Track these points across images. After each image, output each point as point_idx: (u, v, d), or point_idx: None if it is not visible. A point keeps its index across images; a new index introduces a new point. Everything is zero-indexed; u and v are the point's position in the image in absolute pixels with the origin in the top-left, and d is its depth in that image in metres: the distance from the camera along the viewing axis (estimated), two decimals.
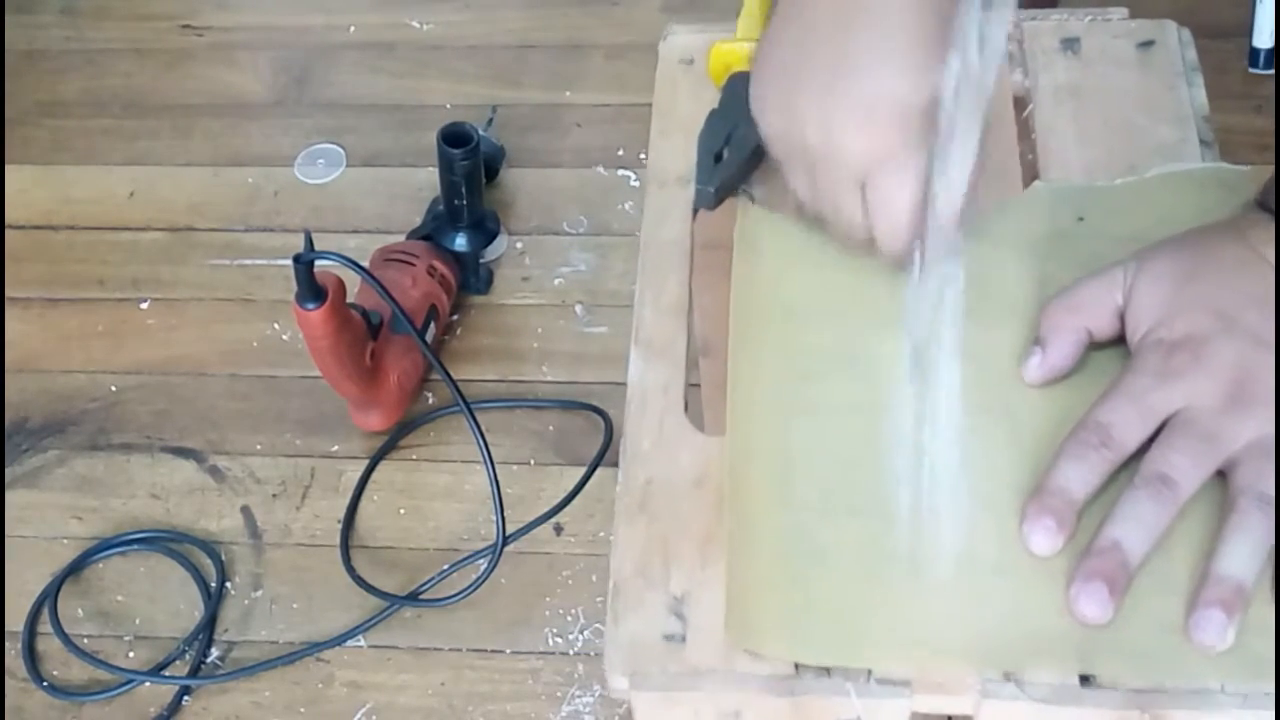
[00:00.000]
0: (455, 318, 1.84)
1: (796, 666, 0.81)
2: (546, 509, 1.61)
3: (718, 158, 1.03)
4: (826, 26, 0.86)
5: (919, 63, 0.84)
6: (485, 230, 1.84)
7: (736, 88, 1.08)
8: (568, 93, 2.11)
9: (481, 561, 1.60)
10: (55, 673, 1.58)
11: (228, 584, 1.63)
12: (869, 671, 0.80)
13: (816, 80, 0.86)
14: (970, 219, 0.87)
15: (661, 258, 1.03)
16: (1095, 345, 0.91)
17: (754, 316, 0.97)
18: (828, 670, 0.81)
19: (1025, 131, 1.07)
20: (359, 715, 1.53)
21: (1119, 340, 0.90)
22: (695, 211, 1.05)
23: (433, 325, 1.75)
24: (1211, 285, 0.88)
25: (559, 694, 1.53)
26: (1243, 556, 0.80)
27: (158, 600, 1.63)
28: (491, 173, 1.93)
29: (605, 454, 1.65)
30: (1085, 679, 0.79)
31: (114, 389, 1.82)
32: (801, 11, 0.88)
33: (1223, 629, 0.79)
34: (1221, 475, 0.84)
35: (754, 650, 0.82)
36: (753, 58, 0.93)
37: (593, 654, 1.53)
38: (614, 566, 0.86)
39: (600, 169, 2.00)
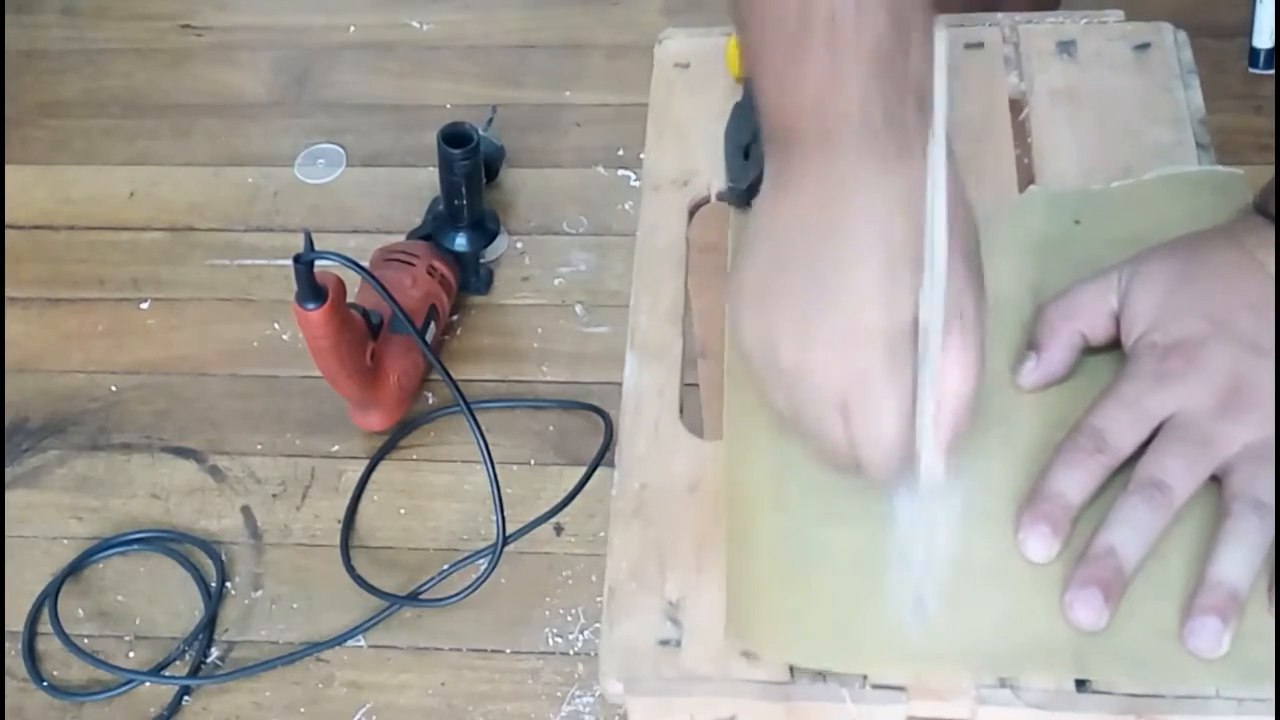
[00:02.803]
0: (455, 318, 1.84)
1: (792, 671, 0.81)
2: (546, 509, 1.61)
3: (746, 152, 1.03)
4: (802, 242, 0.82)
5: (894, 281, 0.80)
6: (485, 230, 1.84)
7: None
8: (568, 93, 2.11)
9: (481, 561, 1.60)
10: (55, 673, 1.58)
11: (228, 584, 1.63)
12: (864, 677, 0.80)
13: (791, 303, 0.82)
14: (960, 440, 0.84)
15: (657, 260, 1.02)
16: (1090, 350, 0.91)
17: None
18: (823, 675, 0.81)
19: (1021, 135, 1.07)
20: (359, 715, 1.53)
21: (1114, 345, 0.90)
22: (691, 213, 1.05)
23: (433, 325, 1.75)
24: (1206, 290, 0.88)
25: (559, 694, 1.53)
26: (1238, 562, 0.80)
27: (158, 600, 1.63)
28: (491, 173, 1.93)
29: (605, 454, 1.66)
30: (1080, 684, 0.79)
31: (114, 389, 1.82)
32: (775, 228, 0.84)
33: (1218, 635, 0.79)
34: (1216, 480, 0.84)
35: (751, 652, 0.82)
36: (729, 271, 0.90)
37: (593, 654, 1.53)
38: (609, 571, 0.86)
39: (600, 169, 2.00)
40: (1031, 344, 0.91)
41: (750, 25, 0.83)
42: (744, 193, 1.02)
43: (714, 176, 1.06)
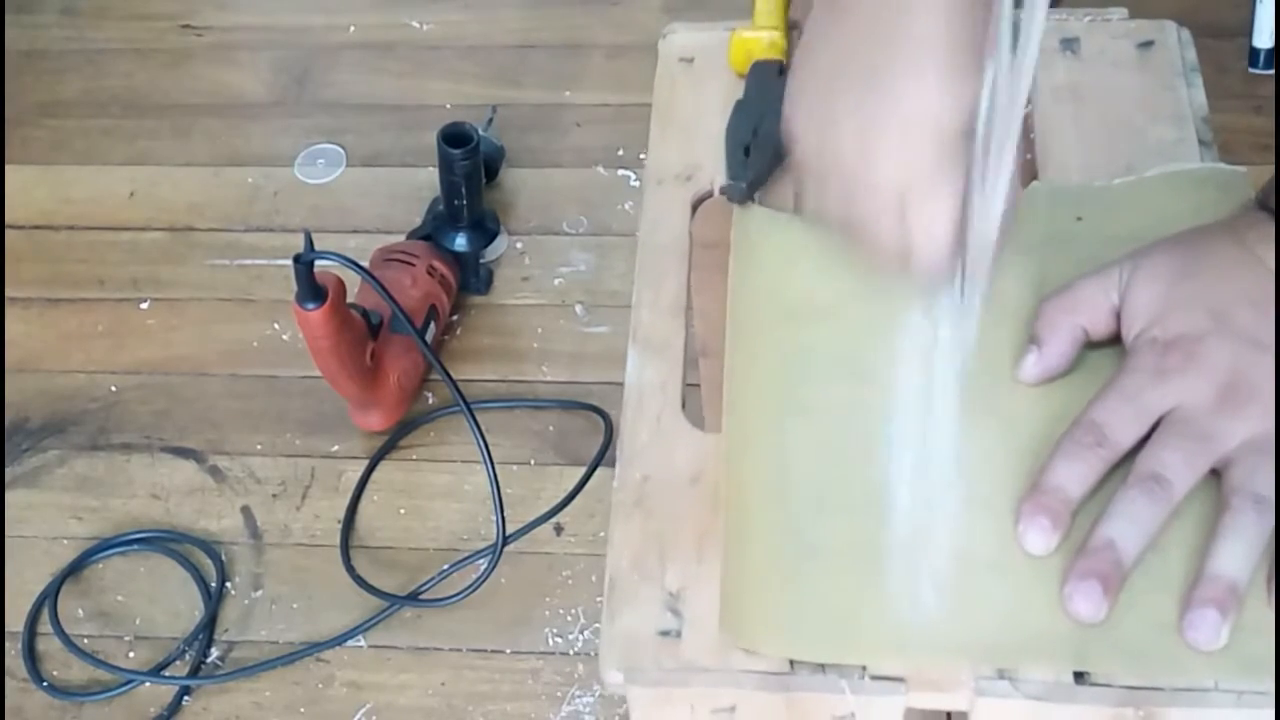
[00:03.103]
0: (455, 318, 1.84)
1: (791, 663, 0.81)
2: (546, 509, 1.61)
3: (746, 150, 1.04)
4: (861, 45, 0.84)
5: (955, 80, 0.81)
6: (485, 230, 1.84)
7: (761, 77, 1.09)
8: (568, 93, 2.11)
9: (481, 561, 1.60)
10: (55, 673, 1.58)
11: (228, 584, 1.63)
12: (863, 668, 0.80)
13: (852, 100, 0.84)
14: (1008, 234, 0.86)
15: (660, 256, 1.03)
16: (1091, 344, 0.91)
17: (751, 316, 0.97)
18: (822, 667, 0.81)
19: (1024, 132, 1.07)
20: (359, 715, 1.53)
21: (1115, 339, 0.90)
22: (694, 208, 1.06)
23: (433, 325, 1.75)
24: (1206, 284, 0.88)
25: (559, 694, 1.53)
26: (1236, 555, 0.80)
27: (158, 600, 1.63)
28: (491, 173, 1.93)
29: (605, 454, 1.65)
30: (1079, 676, 0.79)
31: (114, 389, 1.82)
32: (835, 29, 0.86)
33: (1216, 628, 0.79)
34: (1216, 474, 0.84)
35: (749, 647, 0.82)
36: (788, 75, 0.92)
37: (593, 654, 1.53)
38: (610, 562, 0.86)
39: (600, 169, 2.00)
40: (1032, 338, 0.91)
41: None
42: (745, 189, 1.03)
43: (717, 171, 1.06)
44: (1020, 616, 0.82)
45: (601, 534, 1.58)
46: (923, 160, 0.82)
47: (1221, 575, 0.80)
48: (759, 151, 1.04)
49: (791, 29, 1.13)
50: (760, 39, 1.11)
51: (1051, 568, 0.82)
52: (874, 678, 0.80)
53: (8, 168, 2.06)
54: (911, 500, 0.86)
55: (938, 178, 0.83)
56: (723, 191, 1.05)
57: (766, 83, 1.09)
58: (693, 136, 1.09)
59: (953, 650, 0.81)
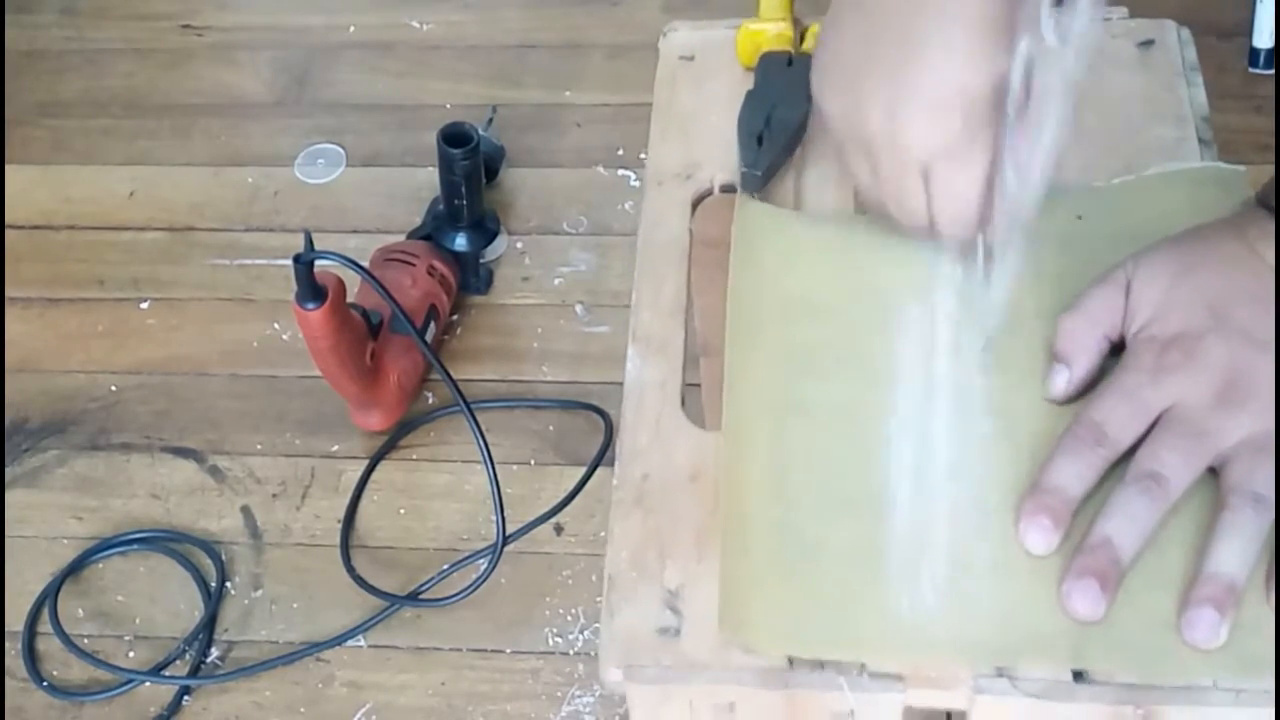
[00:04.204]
0: (455, 318, 1.84)
1: (790, 660, 0.81)
2: (546, 509, 1.61)
3: (760, 140, 1.04)
4: (892, 12, 0.87)
5: (985, 49, 0.84)
6: (485, 230, 1.84)
7: (770, 68, 1.09)
8: (568, 93, 2.11)
9: (481, 561, 1.60)
10: (55, 673, 1.58)
11: (228, 584, 1.63)
12: (862, 665, 0.80)
13: (881, 67, 0.87)
14: (1037, 205, 0.88)
15: (660, 255, 1.03)
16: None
17: (751, 313, 0.97)
18: (821, 664, 0.81)
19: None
20: (359, 715, 1.53)
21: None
22: (695, 204, 1.06)
23: (433, 325, 1.75)
24: (1206, 281, 0.88)
25: (559, 694, 1.53)
26: (1234, 554, 0.80)
27: (158, 600, 1.63)
28: (491, 173, 1.93)
29: (605, 454, 1.65)
30: (1078, 675, 0.79)
31: (114, 389, 1.82)
32: (862, 6, 0.89)
33: (1215, 627, 0.79)
34: (1214, 472, 0.84)
35: (747, 645, 0.82)
36: (816, 40, 0.94)
37: (593, 654, 1.53)
38: (609, 560, 0.87)
39: (600, 169, 2.00)
40: (1059, 357, 0.90)
41: None
42: (759, 178, 1.03)
43: (717, 169, 1.07)
44: (1019, 615, 0.82)
45: (601, 534, 1.58)
46: (950, 129, 0.85)
47: (1220, 574, 0.80)
48: (772, 140, 1.05)
49: (795, 23, 1.14)
50: (768, 30, 1.12)
51: (1050, 566, 0.83)
52: (873, 675, 0.80)
53: (8, 168, 2.06)
54: (911, 499, 0.86)
55: (964, 147, 0.86)
56: (723, 189, 1.05)
57: (776, 73, 1.09)
58: (693, 135, 1.09)
59: (951, 648, 0.81)
